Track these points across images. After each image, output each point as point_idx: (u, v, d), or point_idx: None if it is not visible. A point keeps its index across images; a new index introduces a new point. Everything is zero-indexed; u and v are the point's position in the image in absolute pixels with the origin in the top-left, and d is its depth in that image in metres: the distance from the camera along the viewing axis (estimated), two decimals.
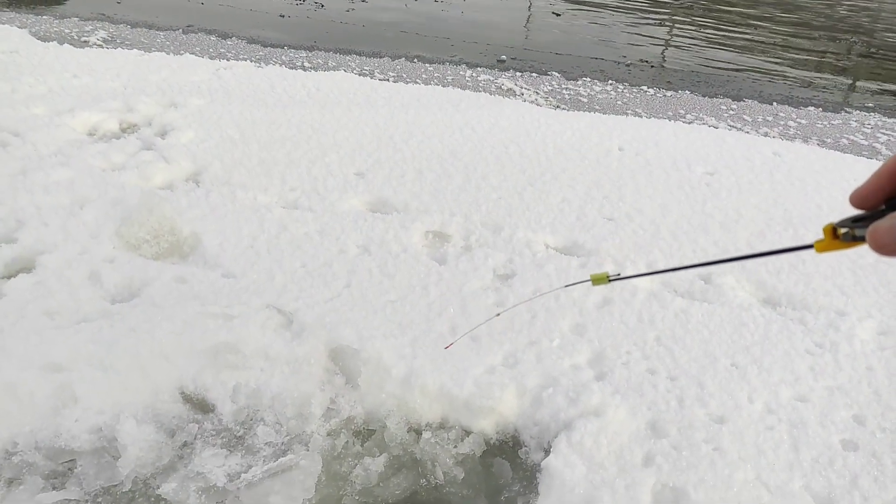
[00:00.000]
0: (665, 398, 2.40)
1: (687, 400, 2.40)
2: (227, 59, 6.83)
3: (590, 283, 1.50)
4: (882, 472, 2.18)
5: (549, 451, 2.18)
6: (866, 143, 5.95)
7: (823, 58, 9.82)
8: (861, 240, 0.76)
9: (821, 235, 0.81)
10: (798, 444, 2.25)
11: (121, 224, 3.16)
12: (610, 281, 1.48)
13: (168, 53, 6.64)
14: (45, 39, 6.99)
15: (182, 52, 7.06)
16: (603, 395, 2.37)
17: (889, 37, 11.90)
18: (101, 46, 7.22)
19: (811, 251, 1.03)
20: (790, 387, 2.51)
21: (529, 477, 2.21)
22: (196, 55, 6.74)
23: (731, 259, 1.10)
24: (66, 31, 7.87)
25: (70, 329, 2.44)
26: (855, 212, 0.78)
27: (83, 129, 4.49)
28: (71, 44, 6.84)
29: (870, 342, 2.80)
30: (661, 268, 3.22)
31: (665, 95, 7.11)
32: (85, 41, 7.45)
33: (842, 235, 0.79)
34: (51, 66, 5.65)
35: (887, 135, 6.21)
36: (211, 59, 6.65)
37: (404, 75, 7.05)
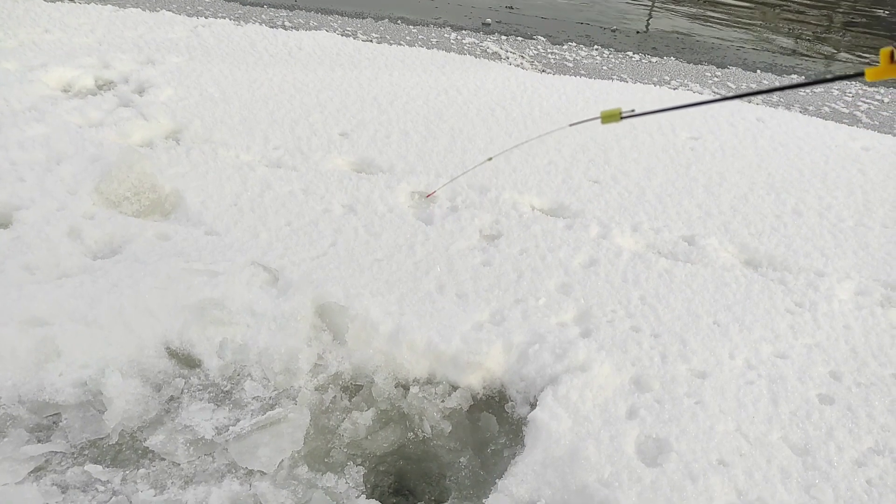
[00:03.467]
0: (649, 354, 2.44)
1: (670, 356, 2.44)
2: (205, 17, 6.63)
3: (599, 120, 1.40)
4: (857, 424, 2.24)
5: (535, 405, 2.20)
6: (847, 111, 6.00)
7: (806, 26, 9.82)
8: None
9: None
10: (777, 398, 2.31)
11: (100, 180, 3.08)
12: (622, 118, 1.39)
13: (144, 10, 6.43)
14: None
15: (158, 8, 6.83)
16: (588, 351, 2.40)
17: (871, 7, 11.93)
18: (72, 1, 6.96)
19: (861, 79, 1.00)
20: (770, 344, 2.56)
21: (516, 430, 2.24)
22: (173, 12, 6.53)
23: (768, 90, 1.07)
24: None
25: (51, 284, 2.40)
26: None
27: (57, 84, 4.35)
28: None
29: (848, 302, 2.86)
30: (646, 228, 3.24)
31: (650, 61, 7.08)
32: None
33: None
34: (20, 20, 5.44)
35: (868, 103, 6.26)
36: (188, 16, 6.45)
37: (388, 37, 6.91)
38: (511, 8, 6.83)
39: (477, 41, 7.13)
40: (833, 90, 6.59)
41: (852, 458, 2.11)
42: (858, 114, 5.97)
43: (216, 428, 2.07)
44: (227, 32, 5.81)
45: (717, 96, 5.36)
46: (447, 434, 2.23)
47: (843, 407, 2.31)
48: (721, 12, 10.02)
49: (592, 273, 2.88)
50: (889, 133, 5.26)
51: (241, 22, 6.58)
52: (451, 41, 7.03)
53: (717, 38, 8.49)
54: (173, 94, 4.27)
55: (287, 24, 7.02)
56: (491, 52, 6.80)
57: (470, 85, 4.99)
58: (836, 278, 3.00)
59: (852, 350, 2.59)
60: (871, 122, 5.74)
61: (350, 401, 2.29)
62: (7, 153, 3.26)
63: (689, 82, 6.41)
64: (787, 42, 8.73)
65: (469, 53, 6.54)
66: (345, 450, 2.14)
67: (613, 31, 8.37)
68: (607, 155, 4.02)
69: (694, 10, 9.98)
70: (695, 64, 7.14)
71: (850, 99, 6.37)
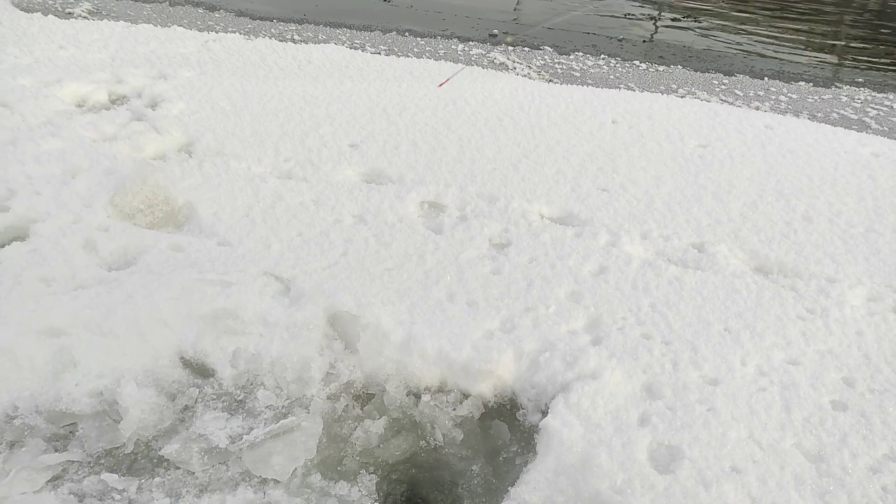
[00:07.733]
0: (660, 361, 2.44)
1: (681, 363, 2.44)
2: (216, 32, 6.73)
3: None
4: (871, 430, 2.23)
5: (547, 413, 2.21)
6: (856, 117, 5.99)
7: (814, 33, 9.82)
8: None
9: None
10: (790, 404, 2.30)
11: (114, 193, 3.13)
12: None
13: (155, 25, 6.53)
14: (28, 10, 6.84)
15: (170, 24, 6.94)
16: (599, 358, 2.40)
17: (880, 12, 11.91)
18: (86, 18, 7.08)
19: None
20: (782, 350, 2.56)
21: (527, 438, 2.24)
22: (184, 27, 6.63)
23: None
24: (50, 1, 7.71)
25: (67, 295, 2.43)
26: None
27: (72, 99, 4.42)
28: (55, 15, 6.69)
29: (860, 308, 2.85)
30: (656, 236, 3.25)
31: (657, 70, 7.11)
32: (69, 12, 7.30)
33: None
34: (35, 36, 5.54)
35: (877, 109, 6.25)
36: (199, 31, 6.55)
37: (396, 49, 6.98)
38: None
39: (484, 52, 7.19)
40: (841, 96, 6.58)
41: (867, 465, 2.10)
42: (867, 120, 5.96)
43: (230, 437, 2.09)
44: (238, 47, 5.89)
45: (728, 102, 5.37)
46: (459, 442, 2.24)
47: (856, 413, 2.30)
48: (729, 21, 10.04)
49: (602, 281, 2.88)
50: None
51: (251, 36, 6.67)
52: (459, 52, 7.09)
53: (724, 46, 8.50)
54: (185, 107, 4.33)
55: (296, 37, 7.11)
56: (498, 62, 6.85)
57: (478, 95, 5.03)
58: (848, 284, 2.99)
59: (865, 356, 2.58)
60: (881, 128, 5.73)
61: (362, 409, 2.30)
62: (23, 167, 3.32)
63: (697, 90, 6.42)
64: (795, 50, 8.73)
65: (476, 64, 6.59)
66: (357, 458, 2.15)
67: (620, 40, 8.41)
68: (615, 163, 4.03)
69: (698, 18, 10.00)
70: (702, 72, 7.16)
71: (858, 105, 6.36)
